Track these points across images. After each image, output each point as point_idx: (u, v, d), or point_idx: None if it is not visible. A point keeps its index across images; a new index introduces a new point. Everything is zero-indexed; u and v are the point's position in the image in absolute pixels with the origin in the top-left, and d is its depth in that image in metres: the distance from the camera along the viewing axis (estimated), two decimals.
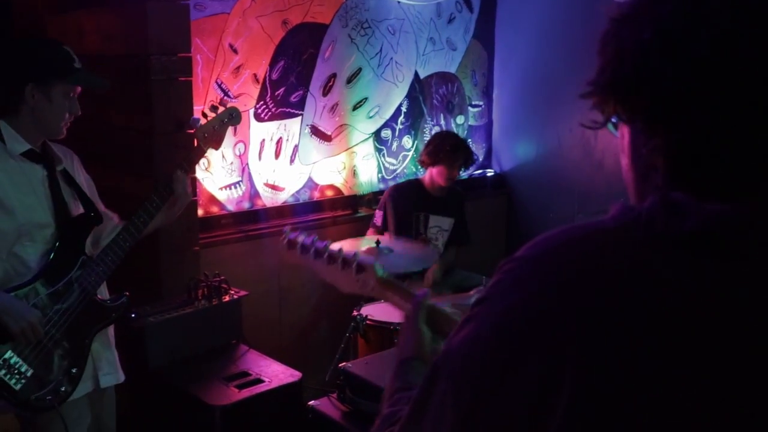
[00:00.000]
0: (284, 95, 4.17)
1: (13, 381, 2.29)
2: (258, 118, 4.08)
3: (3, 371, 2.27)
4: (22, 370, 2.31)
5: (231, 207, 4.04)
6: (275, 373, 2.98)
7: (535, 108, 5.12)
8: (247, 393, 2.83)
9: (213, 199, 3.96)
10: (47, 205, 2.44)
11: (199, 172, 3.78)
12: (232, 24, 3.90)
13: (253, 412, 2.82)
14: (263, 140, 4.13)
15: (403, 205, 4.22)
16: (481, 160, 5.38)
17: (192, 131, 3.30)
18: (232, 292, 3.34)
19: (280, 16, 4.09)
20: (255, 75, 4.03)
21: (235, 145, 4.00)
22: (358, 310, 3.56)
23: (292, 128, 4.25)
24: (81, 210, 2.54)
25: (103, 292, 2.61)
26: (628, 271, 0.73)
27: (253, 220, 4.09)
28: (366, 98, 4.57)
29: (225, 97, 3.77)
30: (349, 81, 4.47)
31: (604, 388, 0.70)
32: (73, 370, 2.43)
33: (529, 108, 5.18)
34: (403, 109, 4.79)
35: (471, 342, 0.79)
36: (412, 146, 4.89)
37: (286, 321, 4.18)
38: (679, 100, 0.73)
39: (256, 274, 3.92)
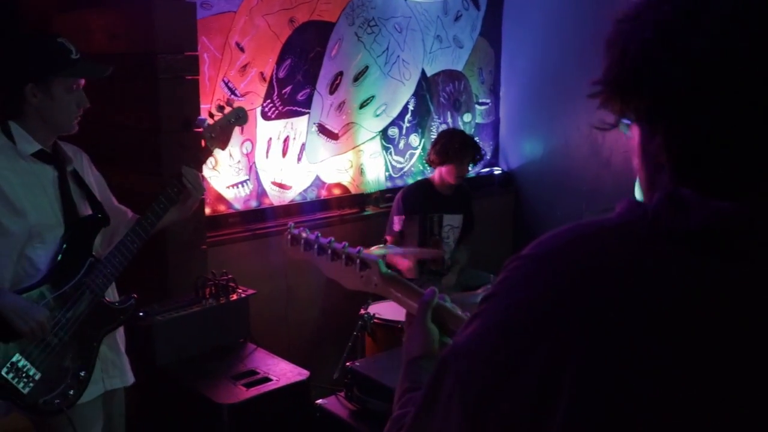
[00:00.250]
0: (291, 93, 4.17)
1: (21, 384, 2.27)
2: (265, 116, 4.08)
3: (11, 375, 2.26)
4: (30, 373, 2.29)
5: (238, 205, 4.05)
6: (283, 372, 2.98)
7: (543, 106, 5.11)
8: (254, 391, 2.83)
9: (220, 198, 3.97)
10: (58, 206, 2.41)
11: (207, 171, 3.78)
12: (238, 22, 3.90)
13: (260, 411, 2.82)
14: (270, 139, 4.13)
15: (417, 207, 4.21)
16: (488, 158, 5.37)
17: (199, 130, 3.31)
18: (240, 290, 3.34)
19: (287, 14, 4.09)
20: (262, 73, 4.03)
21: (243, 143, 4.00)
22: (366, 309, 3.56)
23: (299, 126, 4.25)
24: (89, 211, 2.52)
25: (112, 294, 2.59)
26: (630, 270, 0.73)
27: (261, 218, 4.09)
28: (373, 96, 4.57)
29: (232, 97, 3.78)
30: (355, 79, 4.46)
31: (605, 387, 0.70)
32: (82, 374, 2.41)
33: (536, 106, 5.17)
34: (410, 107, 4.79)
35: (477, 339, 0.80)
36: (419, 144, 4.88)
37: (293, 319, 4.18)
38: (679, 99, 0.74)
39: (263, 273, 3.92)
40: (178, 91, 3.29)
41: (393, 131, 4.73)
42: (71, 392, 2.38)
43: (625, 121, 0.82)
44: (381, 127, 4.66)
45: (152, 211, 2.54)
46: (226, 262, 3.61)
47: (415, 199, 4.21)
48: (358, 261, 1.37)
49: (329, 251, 1.40)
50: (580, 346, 0.71)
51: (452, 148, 4.11)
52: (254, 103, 4.01)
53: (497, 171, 5.41)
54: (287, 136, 4.21)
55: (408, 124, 4.80)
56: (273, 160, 4.17)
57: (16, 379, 2.26)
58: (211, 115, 2.76)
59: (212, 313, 3.19)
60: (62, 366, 2.37)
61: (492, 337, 0.78)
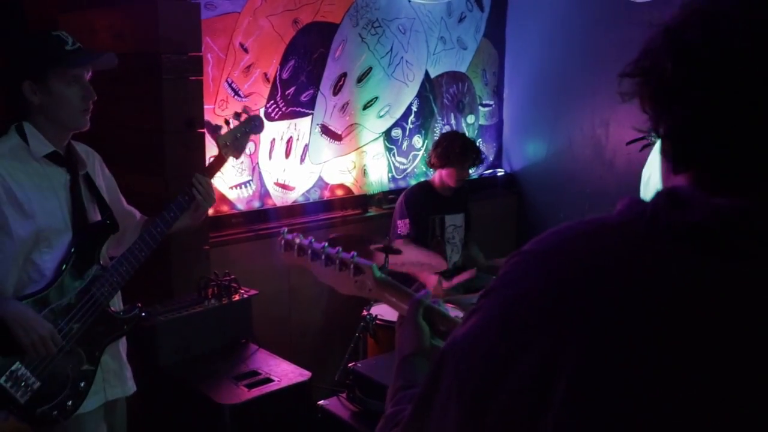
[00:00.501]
0: (294, 94, 4.17)
1: (19, 393, 2.20)
2: (268, 117, 4.08)
3: (9, 383, 2.19)
4: (29, 382, 2.22)
5: (241, 206, 4.05)
6: (285, 373, 2.98)
7: (546, 107, 5.10)
8: (256, 392, 2.83)
9: (223, 198, 3.97)
10: (67, 210, 2.35)
11: None
12: (242, 23, 3.91)
13: (262, 411, 2.82)
14: (273, 139, 4.14)
15: (419, 210, 4.21)
16: (491, 159, 5.37)
17: (202, 131, 3.32)
18: (242, 291, 3.34)
19: (291, 15, 4.09)
20: (265, 74, 4.03)
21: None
22: (368, 310, 3.56)
23: (302, 127, 4.25)
24: (98, 216, 2.45)
25: (117, 301, 2.53)
26: (630, 268, 0.73)
27: (264, 219, 4.09)
28: (376, 97, 4.57)
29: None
30: (359, 80, 4.47)
31: (604, 385, 0.69)
32: (81, 384, 2.35)
33: (539, 107, 5.16)
34: (414, 108, 4.79)
35: (475, 333, 0.80)
36: (423, 146, 4.88)
37: (295, 320, 4.18)
38: (678, 96, 0.74)
39: (266, 274, 3.92)
40: (181, 92, 3.29)
41: (396, 132, 4.73)
42: (69, 403, 2.32)
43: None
44: (384, 129, 4.66)
45: (162, 219, 2.51)
46: (228, 262, 3.62)
47: (417, 201, 4.20)
48: (351, 266, 1.36)
49: (323, 256, 1.39)
50: (579, 343, 0.71)
51: (453, 151, 4.11)
52: (258, 104, 4.01)
53: (500, 173, 5.41)
54: (290, 137, 4.21)
55: (411, 126, 4.80)
56: (276, 161, 4.17)
57: (15, 388, 2.20)
58: (227, 123, 2.73)
59: (215, 313, 3.19)
60: (63, 376, 2.30)
61: (491, 331, 0.78)
